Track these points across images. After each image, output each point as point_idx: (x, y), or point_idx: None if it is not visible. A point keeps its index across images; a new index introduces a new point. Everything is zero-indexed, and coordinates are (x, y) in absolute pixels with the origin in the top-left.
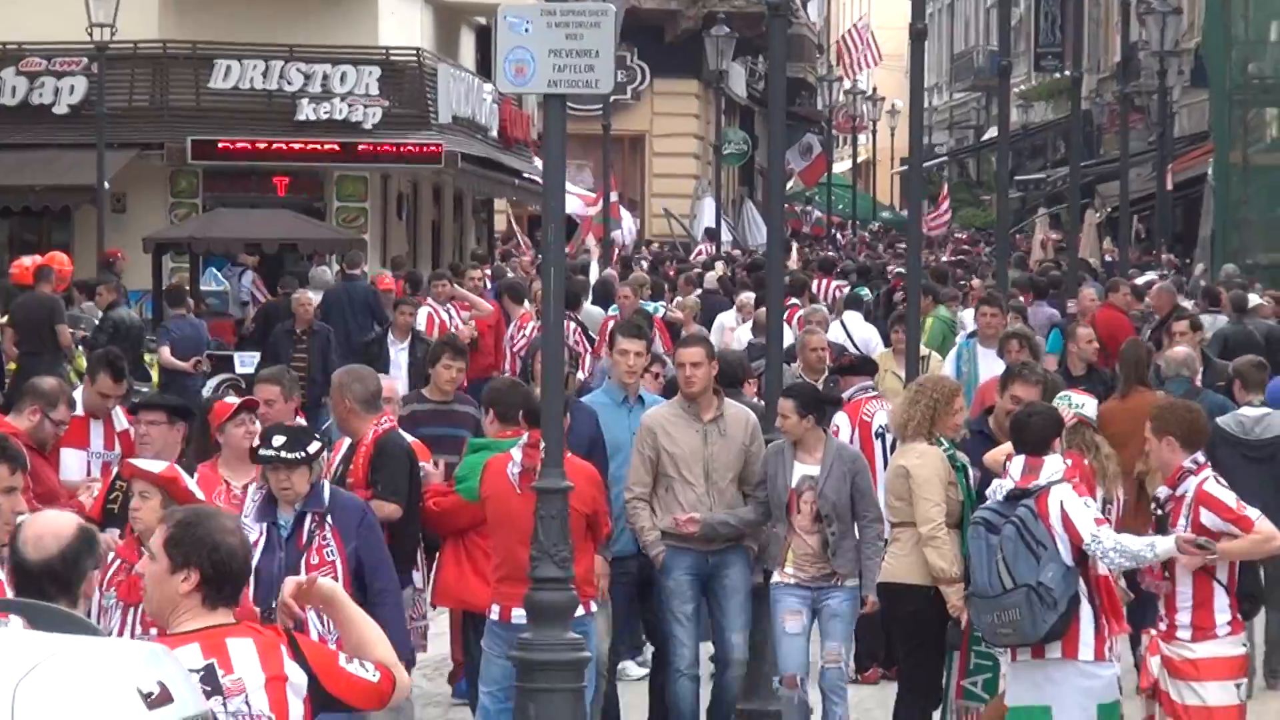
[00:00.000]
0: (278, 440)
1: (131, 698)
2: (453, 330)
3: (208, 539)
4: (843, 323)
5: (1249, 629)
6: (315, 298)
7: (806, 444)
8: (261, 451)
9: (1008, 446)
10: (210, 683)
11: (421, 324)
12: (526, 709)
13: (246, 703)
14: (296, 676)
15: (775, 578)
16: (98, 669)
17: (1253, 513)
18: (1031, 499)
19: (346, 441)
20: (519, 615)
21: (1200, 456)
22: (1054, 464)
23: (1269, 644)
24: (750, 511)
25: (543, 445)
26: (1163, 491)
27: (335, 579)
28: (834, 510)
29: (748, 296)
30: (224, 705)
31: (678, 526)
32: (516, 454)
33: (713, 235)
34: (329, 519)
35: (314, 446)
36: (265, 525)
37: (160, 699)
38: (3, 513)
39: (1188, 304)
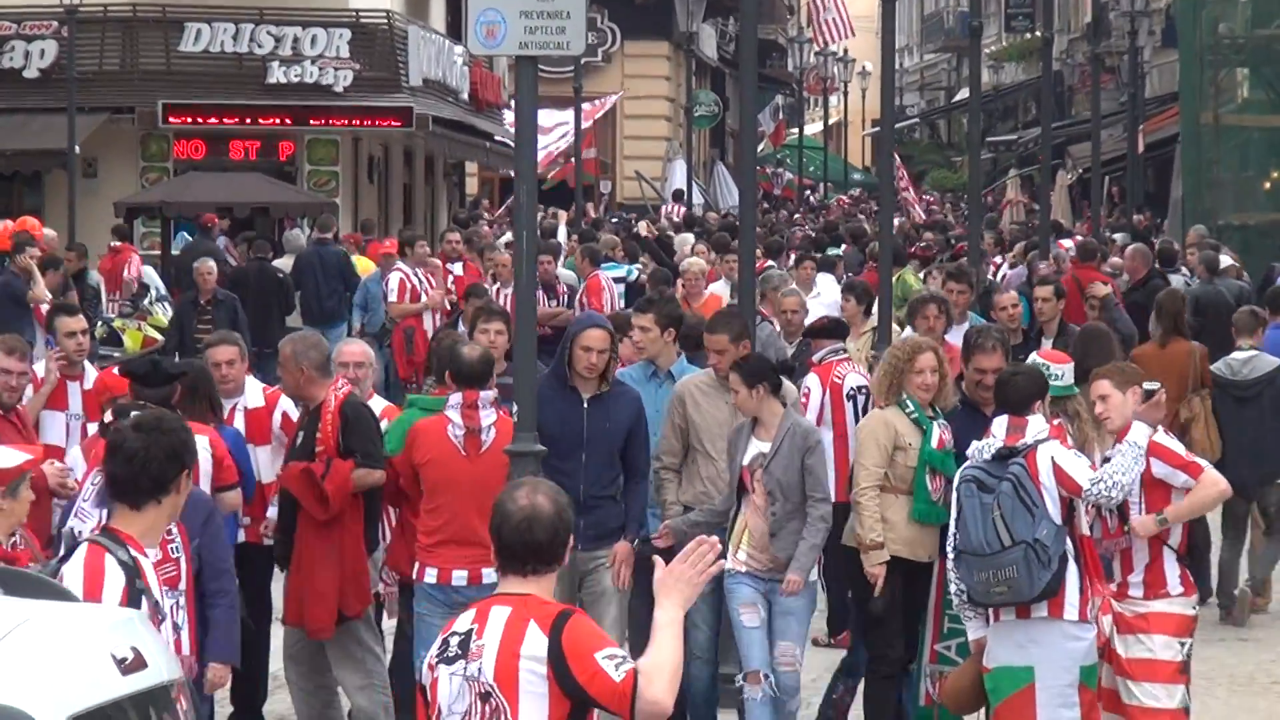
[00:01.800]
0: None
1: (105, 662)
2: (423, 296)
3: None
4: (815, 283)
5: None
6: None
7: (763, 420)
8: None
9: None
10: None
11: (394, 289)
12: None
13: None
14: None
15: (728, 564)
16: (72, 634)
17: (1201, 461)
18: (1021, 456)
19: (279, 407)
20: (460, 577)
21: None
22: (1039, 423)
23: (1221, 575)
24: (722, 503)
25: (515, 410)
26: (1113, 449)
27: (179, 577)
28: (780, 489)
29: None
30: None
31: (654, 540)
32: (455, 415)
33: (680, 197)
34: None
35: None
36: (104, 513)
37: (134, 664)
38: None
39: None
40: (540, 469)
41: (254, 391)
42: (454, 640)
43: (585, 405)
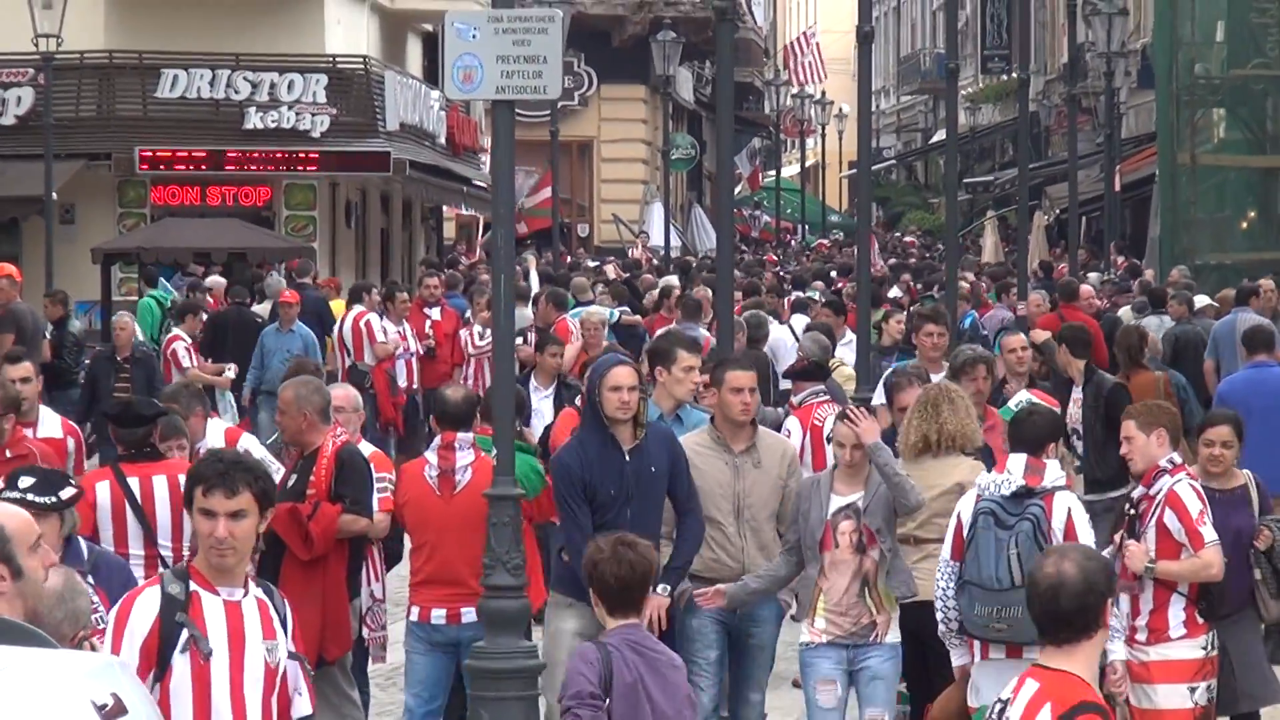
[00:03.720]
0: (25, 481)
1: (85, 709)
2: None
3: None
4: (790, 326)
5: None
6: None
7: (855, 470)
8: (6, 494)
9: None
10: None
11: (379, 329)
12: (481, 717)
13: None
14: None
15: (804, 636)
16: (50, 681)
17: (1208, 534)
18: (1038, 499)
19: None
20: (438, 616)
21: (1176, 456)
22: (1056, 468)
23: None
24: (781, 567)
25: (495, 453)
26: (1138, 492)
27: (101, 640)
28: (885, 529)
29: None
30: None
31: (702, 603)
32: (432, 457)
33: (638, 235)
34: (90, 579)
35: (67, 492)
36: None
37: (114, 711)
38: None
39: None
40: (518, 512)
41: (214, 433)
42: (996, 708)
43: (627, 457)
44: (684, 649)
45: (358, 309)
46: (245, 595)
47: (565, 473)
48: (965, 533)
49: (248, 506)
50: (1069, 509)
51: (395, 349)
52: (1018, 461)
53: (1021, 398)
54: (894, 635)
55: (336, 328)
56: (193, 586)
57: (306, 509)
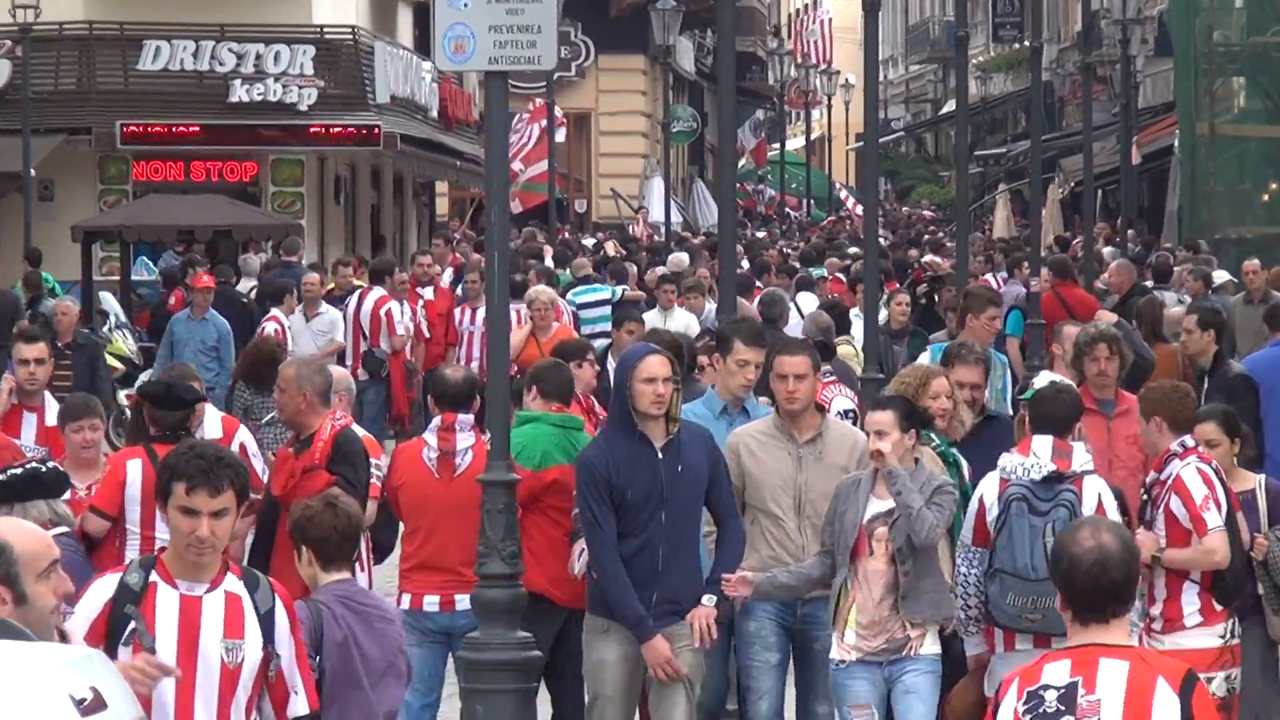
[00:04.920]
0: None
1: (64, 704)
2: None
3: None
4: (796, 304)
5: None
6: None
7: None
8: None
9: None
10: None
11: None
12: (475, 710)
13: None
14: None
15: (834, 653)
16: (29, 675)
17: (1212, 519)
18: (1069, 484)
19: (236, 438)
20: (431, 603)
21: (1189, 440)
22: (1083, 451)
23: None
24: (816, 566)
25: (488, 436)
26: (1150, 477)
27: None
28: (904, 547)
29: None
30: None
31: (726, 588)
32: (431, 439)
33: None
34: None
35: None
36: None
37: (93, 705)
38: None
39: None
40: (513, 499)
41: (212, 422)
42: (1049, 694)
43: (660, 455)
44: (742, 653)
45: (379, 293)
46: (211, 590)
47: (589, 474)
48: (988, 517)
49: (229, 504)
50: (1099, 494)
51: (408, 341)
52: (1044, 444)
53: (1044, 378)
54: (932, 646)
55: (354, 308)
56: (153, 578)
57: (303, 463)
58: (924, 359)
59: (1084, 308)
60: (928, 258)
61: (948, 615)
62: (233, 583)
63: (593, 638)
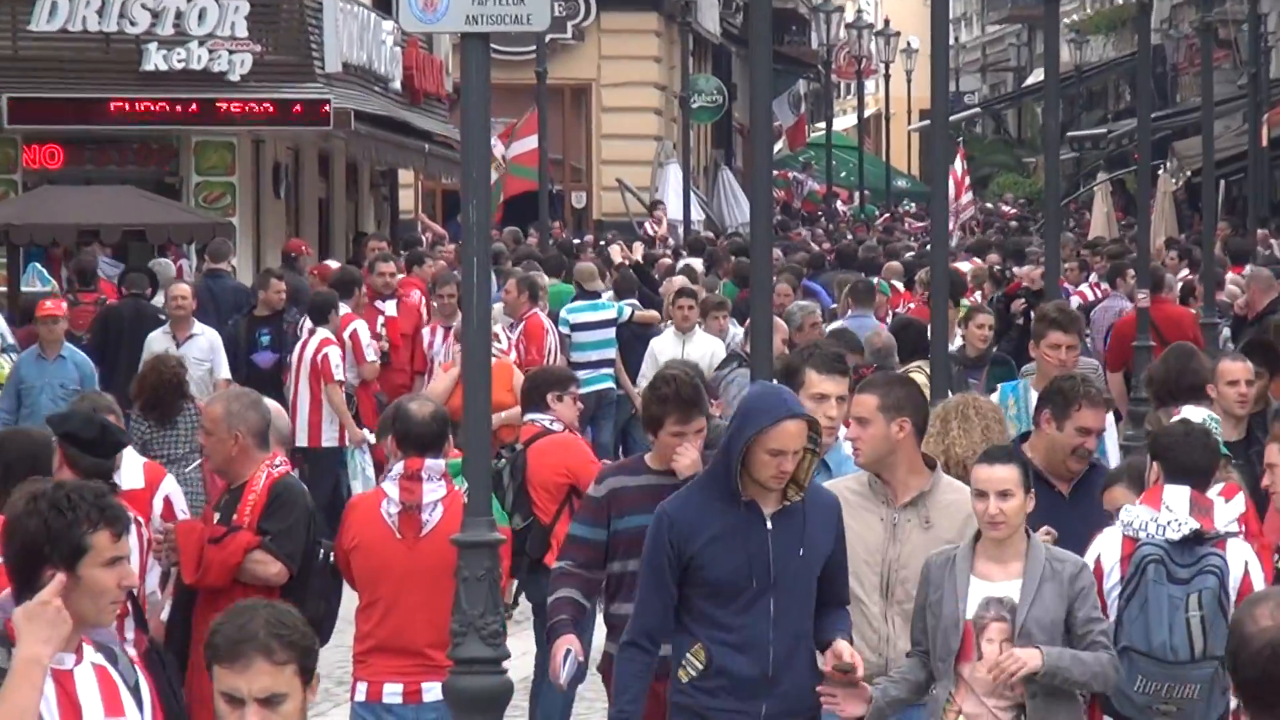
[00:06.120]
0: None
1: None
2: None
3: None
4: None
5: None
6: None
7: (999, 545)
8: None
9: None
10: None
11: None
12: None
13: None
14: None
15: None
16: None
17: None
18: (1212, 546)
19: (161, 490)
20: (393, 692)
21: None
22: (1225, 506)
23: None
24: (919, 668)
25: (466, 489)
26: None
27: None
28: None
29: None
30: None
31: (827, 704)
32: (391, 489)
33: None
34: None
35: None
36: None
37: None
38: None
39: None
40: (496, 563)
41: (132, 469)
42: None
43: (769, 527)
44: None
45: (343, 311)
46: (79, 663)
47: (658, 533)
48: (1105, 583)
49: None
50: (1246, 562)
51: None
52: (1179, 496)
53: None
54: None
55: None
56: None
57: (218, 531)
58: (994, 399)
59: (1174, 328)
60: (1024, 268)
61: None
62: (90, 653)
63: None
